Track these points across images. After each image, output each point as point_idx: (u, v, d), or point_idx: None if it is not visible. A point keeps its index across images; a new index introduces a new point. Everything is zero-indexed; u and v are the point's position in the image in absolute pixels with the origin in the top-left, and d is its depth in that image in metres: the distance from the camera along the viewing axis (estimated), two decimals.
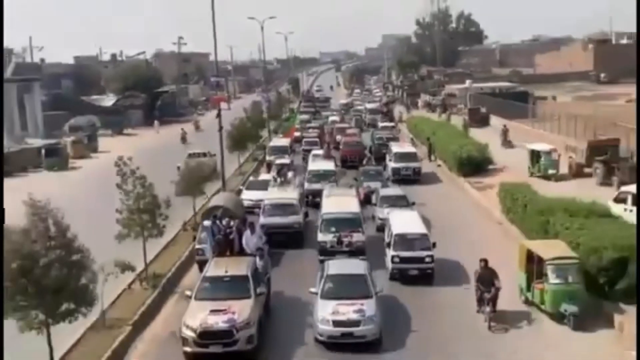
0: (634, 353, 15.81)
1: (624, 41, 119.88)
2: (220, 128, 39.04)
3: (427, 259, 20.94)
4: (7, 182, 44.04)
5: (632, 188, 24.45)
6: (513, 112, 56.80)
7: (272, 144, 49.43)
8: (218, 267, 18.60)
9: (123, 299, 20.21)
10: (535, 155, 35.36)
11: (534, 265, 18.62)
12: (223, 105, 44.10)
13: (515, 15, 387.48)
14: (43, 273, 13.41)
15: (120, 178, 21.12)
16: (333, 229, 22.92)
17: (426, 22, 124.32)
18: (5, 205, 17.29)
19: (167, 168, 31.67)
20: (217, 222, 22.21)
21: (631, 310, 17.04)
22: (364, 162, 40.94)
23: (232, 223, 22.42)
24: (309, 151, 44.83)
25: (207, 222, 23.36)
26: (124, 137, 70.70)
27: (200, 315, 16.02)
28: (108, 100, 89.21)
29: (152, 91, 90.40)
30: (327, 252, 22.33)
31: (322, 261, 21.14)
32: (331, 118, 69.98)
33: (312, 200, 31.19)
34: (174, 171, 30.26)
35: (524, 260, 19.13)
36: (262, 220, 25.73)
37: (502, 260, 21.73)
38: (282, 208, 26.72)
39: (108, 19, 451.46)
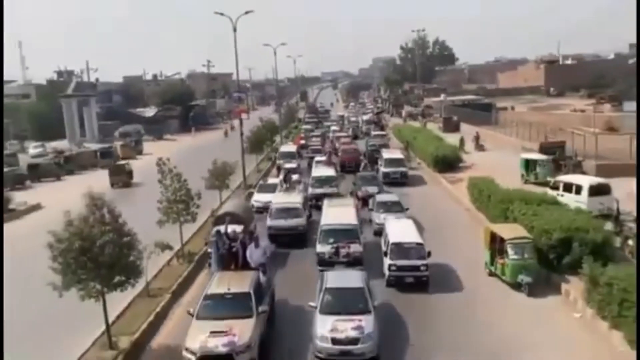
0: (577, 314, 15.86)
1: (569, 61, 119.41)
2: (242, 134, 39.19)
3: (422, 268, 18.17)
4: (70, 179, 44.42)
5: (563, 177, 26.83)
6: (479, 120, 56.77)
7: (281, 149, 46.89)
8: (221, 284, 15.30)
9: (164, 272, 20.25)
10: (531, 164, 31.62)
11: (496, 244, 18.58)
12: (243, 115, 44.09)
13: (480, 41, 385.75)
14: (99, 252, 13.42)
15: (161, 175, 21.17)
16: (331, 240, 19.78)
17: (408, 47, 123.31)
18: (68, 197, 17.29)
19: (200, 164, 29.49)
20: (223, 235, 18.09)
21: (574, 280, 17.04)
22: (361, 167, 37.70)
23: (238, 230, 19.40)
24: (313, 157, 41.74)
25: (217, 228, 19.59)
26: (163, 142, 70.71)
27: (200, 337, 13.21)
28: (150, 112, 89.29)
29: (186, 104, 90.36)
30: (326, 263, 19.19)
31: (321, 271, 18.11)
32: (332, 128, 66.78)
33: (315, 203, 28.44)
34: (205, 167, 29.26)
35: (488, 240, 19.10)
36: (269, 222, 24.04)
37: (471, 240, 21.84)
38: (287, 212, 24.47)
39: (150, 46, 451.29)
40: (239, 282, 15.21)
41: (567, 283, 17.33)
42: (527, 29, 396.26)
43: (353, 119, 77.07)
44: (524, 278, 17.37)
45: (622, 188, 24.39)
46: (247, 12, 38.63)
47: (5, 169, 44.81)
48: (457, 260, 20.37)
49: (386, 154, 38.93)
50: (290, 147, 47.90)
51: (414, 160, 43.06)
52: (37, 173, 44.62)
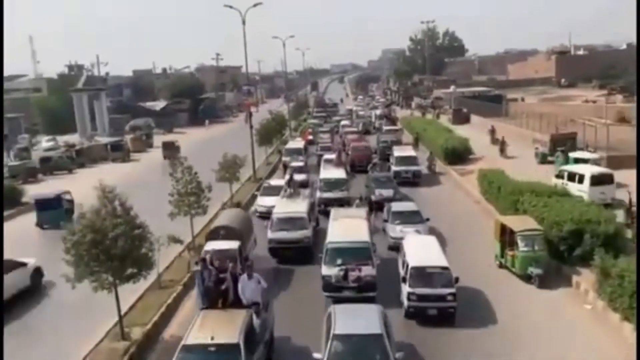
0: (588, 306, 15.79)
1: (580, 52, 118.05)
2: (251, 127, 39.25)
3: (449, 297, 15.03)
4: (82, 172, 44.77)
5: (568, 167, 27.01)
6: (489, 112, 56.28)
7: (288, 146, 43.47)
8: (203, 328, 12.08)
9: (175, 264, 20.40)
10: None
11: (506, 236, 18.51)
12: (252, 109, 44.23)
13: (490, 32, 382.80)
14: (111, 244, 13.54)
15: (172, 167, 21.28)
16: (339, 261, 16.58)
17: (418, 39, 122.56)
18: (80, 190, 17.41)
19: (211, 157, 28.46)
20: (209, 265, 14.57)
21: (585, 272, 16.95)
22: (369, 166, 34.05)
23: (234, 247, 17.66)
24: (322, 155, 38.35)
25: (208, 248, 17.55)
26: (173, 135, 70.96)
27: None
28: (160, 105, 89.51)
29: (195, 98, 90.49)
30: (332, 288, 16.37)
31: (327, 297, 16.15)
32: (342, 122, 62.46)
33: (324, 208, 25.64)
34: (216, 159, 28.52)
35: (498, 232, 19.04)
36: (270, 234, 21.05)
37: (481, 232, 21.74)
38: (290, 222, 21.23)
39: (160, 40, 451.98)
40: (226, 328, 12.07)
41: (578, 275, 17.26)
42: (538, 21, 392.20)
43: (362, 112, 74.87)
44: (534, 270, 17.30)
45: (634, 179, 24.06)
46: (255, 5, 38.59)
47: (18, 163, 45.39)
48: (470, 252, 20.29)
49: (397, 151, 36.37)
50: (297, 143, 44.75)
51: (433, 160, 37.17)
52: (49, 166, 45.03)
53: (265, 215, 24.48)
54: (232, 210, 23.29)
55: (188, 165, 21.39)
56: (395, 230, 21.05)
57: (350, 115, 72.84)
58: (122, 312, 14.98)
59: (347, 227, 18.78)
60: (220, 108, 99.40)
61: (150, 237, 15.05)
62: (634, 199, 20.84)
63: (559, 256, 18.14)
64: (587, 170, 25.20)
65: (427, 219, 21.89)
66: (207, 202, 21.79)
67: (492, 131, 44.17)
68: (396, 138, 44.72)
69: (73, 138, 63.62)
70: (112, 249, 13.54)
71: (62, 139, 63.20)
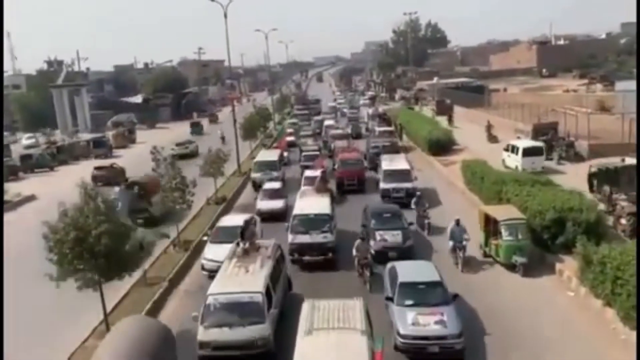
0: (571, 293, 16.03)
1: (561, 42, 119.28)
2: (235, 120, 39.08)
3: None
4: (64, 169, 44.20)
5: (514, 142, 30.93)
6: (472, 102, 56.55)
7: (258, 158, 34.15)
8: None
9: (160, 261, 20.27)
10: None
11: (490, 226, 18.68)
12: (236, 103, 44.00)
13: (472, 24, 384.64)
14: (95, 242, 13.41)
15: (155, 163, 21.12)
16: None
17: (400, 30, 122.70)
18: (62, 188, 17.19)
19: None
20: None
21: (568, 259, 17.19)
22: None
23: None
24: (307, 167, 31.38)
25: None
26: (156, 130, 70.33)
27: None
28: (137, 99, 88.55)
29: (178, 92, 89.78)
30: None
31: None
32: (326, 122, 53.15)
33: (298, 257, 18.58)
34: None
35: (482, 222, 19.21)
36: (200, 334, 12.93)
37: (465, 221, 21.88)
38: (234, 310, 13.18)
39: (141, 34, 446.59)
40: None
41: (561, 262, 17.48)
42: (520, 11, 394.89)
43: (346, 110, 68.34)
44: (518, 259, 17.50)
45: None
46: None
47: None
48: None
49: (386, 162, 28.88)
50: (270, 154, 35.03)
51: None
52: (30, 164, 44.40)
53: (213, 272, 16.22)
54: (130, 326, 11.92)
55: (171, 160, 21.25)
56: (405, 318, 13.26)
57: (335, 114, 66.92)
58: (108, 310, 14.86)
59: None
60: (203, 102, 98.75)
61: (136, 234, 14.94)
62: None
63: (542, 244, 18.36)
64: (521, 144, 30.09)
65: (455, 296, 14.32)
66: (192, 197, 21.68)
67: (489, 127, 40.83)
68: (390, 142, 36.88)
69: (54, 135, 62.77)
70: (96, 246, 13.41)
71: (44, 136, 62.40)
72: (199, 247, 21.41)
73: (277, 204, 25.17)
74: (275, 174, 31.03)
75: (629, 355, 12.53)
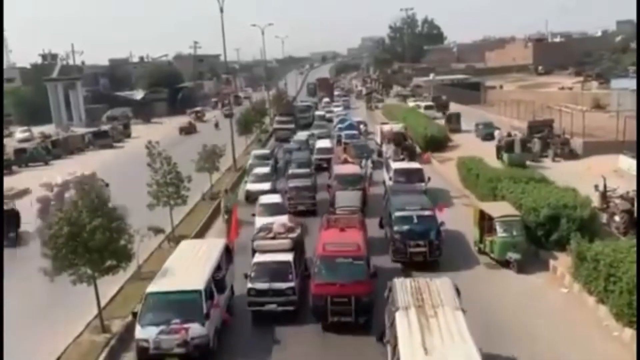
0: (565, 290, 16.11)
1: (557, 39, 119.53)
2: (231, 115, 38.99)
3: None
4: (58, 163, 43.99)
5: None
6: (468, 99, 56.76)
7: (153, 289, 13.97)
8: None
9: (155, 255, 20.18)
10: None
11: (485, 222, 18.74)
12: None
13: (469, 20, 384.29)
14: (89, 237, 13.37)
15: (150, 158, 21.05)
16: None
17: (397, 26, 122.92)
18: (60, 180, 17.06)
19: (190, 147, 28.40)
20: None
21: (562, 256, 17.26)
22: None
23: None
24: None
25: None
26: (152, 125, 70.09)
27: None
28: (137, 95, 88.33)
29: (173, 87, 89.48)
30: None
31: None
32: (319, 144, 36.80)
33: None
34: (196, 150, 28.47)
35: (477, 219, 19.24)
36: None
37: (460, 218, 21.95)
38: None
39: (137, 28, 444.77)
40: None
41: (555, 259, 17.56)
42: (516, 8, 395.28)
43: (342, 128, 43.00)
44: (512, 255, 17.56)
45: (609, 164, 24.62)
46: None
47: None
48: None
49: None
50: (193, 259, 15.56)
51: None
52: (24, 158, 44.17)
53: None
54: None
55: (166, 155, 21.16)
56: None
57: (327, 130, 47.33)
58: (103, 305, 14.84)
59: None
60: (198, 97, 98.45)
61: (130, 229, 14.90)
62: (615, 184, 21.17)
63: (536, 241, 18.43)
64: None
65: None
66: (187, 192, 21.64)
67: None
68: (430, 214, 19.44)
69: (49, 129, 62.42)
70: (90, 241, 13.36)
71: (38, 130, 62.08)
72: None
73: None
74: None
75: (622, 351, 12.65)
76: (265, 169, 29.35)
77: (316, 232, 17.70)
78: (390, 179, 25.43)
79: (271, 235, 16.52)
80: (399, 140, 32.36)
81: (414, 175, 24.82)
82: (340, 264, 14.66)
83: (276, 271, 15.07)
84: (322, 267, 14.71)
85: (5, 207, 23.96)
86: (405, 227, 18.28)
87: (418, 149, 35.14)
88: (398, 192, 21.63)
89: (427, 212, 19.06)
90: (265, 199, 23.22)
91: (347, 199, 21.85)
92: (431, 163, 31.05)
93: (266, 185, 27.05)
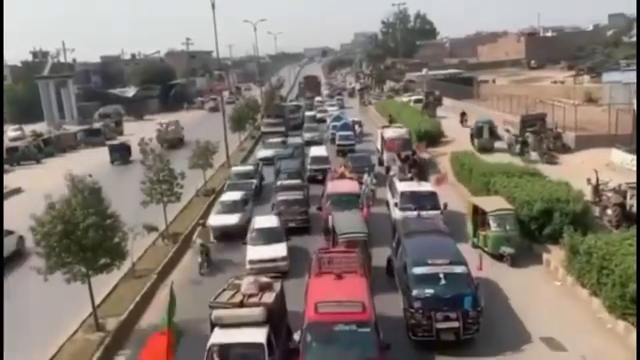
0: (558, 283, 16.21)
1: (549, 34, 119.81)
2: (223, 112, 38.87)
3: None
4: (50, 162, 43.75)
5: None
6: (461, 94, 56.80)
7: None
8: None
9: (149, 253, 20.19)
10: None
11: (479, 217, 18.80)
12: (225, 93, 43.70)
13: (461, 15, 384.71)
14: (83, 235, 13.31)
15: (143, 155, 20.99)
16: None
17: (390, 22, 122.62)
18: (49, 180, 16.93)
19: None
20: None
21: (555, 250, 17.37)
22: None
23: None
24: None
25: None
26: (144, 122, 69.70)
27: None
28: (130, 92, 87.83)
29: (165, 83, 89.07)
30: None
31: None
32: (313, 152, 32.33)
33: None
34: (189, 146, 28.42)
35: (470, 213, 19.32)
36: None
37: (455, 212, 21.99)
38: None
39: (128, 25, 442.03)
40: None
41: (548, 253, 17.67)
42: (507, 2, 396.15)
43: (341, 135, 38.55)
44: (506, 249, 17.65)
45: (601, 158, 24.74)
46: None
47: None
48: None
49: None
50: None
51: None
52: (15, 157, 43.89)
53: None
54: None
55: (159, 152, 21.10)
56: None
57: (319, 133, 44.05)
58: (97, 303, 14.80)
59: None
60: (191, 93, 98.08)
61: (123, 227, 14.86)
62: (607, 177, 21.29)
63: (529, 235, 18.53)
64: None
65: None
66: (180, 189, 21.58)
67: (463, 114, 44.24)
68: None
69: (40, 127, 62.01)
70: (84, 239, 13.31)
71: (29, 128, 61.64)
72: (188, 240, 21.35)
73: None
74: None
75: (615, 343, 12.76)
76: (235, 195, 23.61)
77: (304, 268, 14.12)
78: (396, 205, 20.62)
79: (238, 299, 11.81)
80: (407, 156, 25.33)
81: (427, 201, 20.28)
82: (339, 334, 10.87)
83: (243, 358, 10.84)
84: (314, 340, 10.80)
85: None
86: (429, 292, 13.10)
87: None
88: (413, 234, 15.97)
89: (459, 268, 13.75)
90: (259, 222, 19.55)
91: (349, 222, 16.85)
92: (447, 184, 23.42)
93: (233, 218, 21.56)
